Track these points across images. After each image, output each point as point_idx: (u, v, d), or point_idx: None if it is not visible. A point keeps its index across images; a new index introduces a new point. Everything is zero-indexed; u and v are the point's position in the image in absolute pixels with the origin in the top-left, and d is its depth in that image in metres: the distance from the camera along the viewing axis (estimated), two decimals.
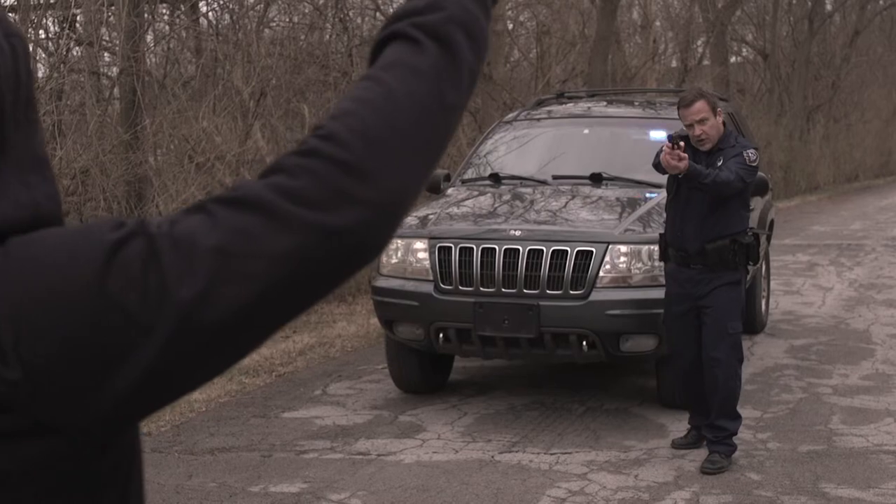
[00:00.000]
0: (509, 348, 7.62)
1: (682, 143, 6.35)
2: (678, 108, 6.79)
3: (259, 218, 1.13)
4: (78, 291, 1.09)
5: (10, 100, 1.19)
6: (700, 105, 6.63)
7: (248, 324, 1.14)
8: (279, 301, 1.15)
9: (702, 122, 6.61)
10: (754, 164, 6.62)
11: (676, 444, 6.95)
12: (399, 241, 7.93)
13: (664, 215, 7.06)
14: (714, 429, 6.66)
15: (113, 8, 11.71)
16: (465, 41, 1.25)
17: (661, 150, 6.56)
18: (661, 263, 7.11)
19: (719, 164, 6.58)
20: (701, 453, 6.63)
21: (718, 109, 6.74)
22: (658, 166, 6.68)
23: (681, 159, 6.31)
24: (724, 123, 6.79)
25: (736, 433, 6.72)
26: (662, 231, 7.04)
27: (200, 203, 1.16)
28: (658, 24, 27.65)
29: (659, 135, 8.98)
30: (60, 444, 1.10)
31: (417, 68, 1.22)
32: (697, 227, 6.64)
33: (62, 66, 11.46)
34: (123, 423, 1.15)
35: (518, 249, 7.51)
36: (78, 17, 12.30)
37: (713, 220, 6.63)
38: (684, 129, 6.73)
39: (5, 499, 1.11)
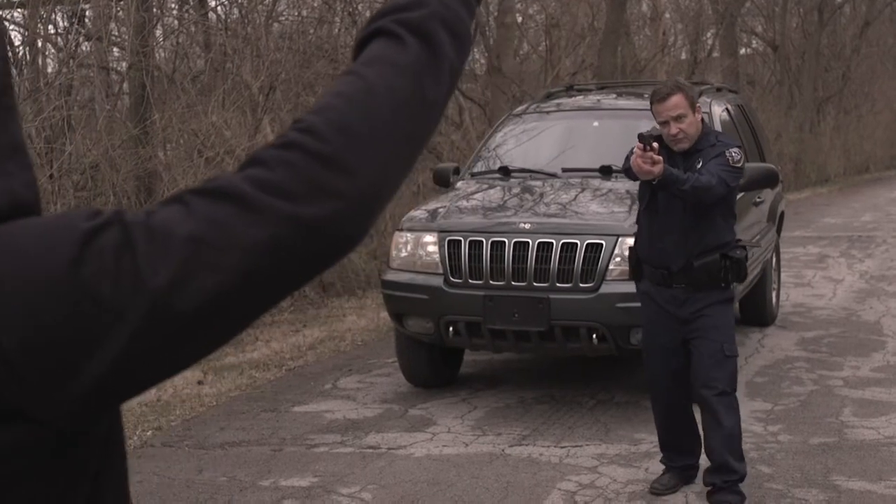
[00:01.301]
0: (519, 342, 7.62)
1: (655, 145, 5.48)
2: (651, 103, 5.89)
3: (235, 208, 1.13)
4: (51, 279, 1.09)
5: None
6: (677, 99, 5.76)
7: (221, 313, 1.14)
8: (253, 291, 1.15)
9: (678, 118, 5.76)
10: (738, 166, 5.78)
11: (656, 489, 6.07)
12: (409, 235, 7.93)
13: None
14: (721, 472, 5.88)
15: (122, 3, 11.72)
16: (447, 38, 1.26)
17: (631, 153, 5.69)
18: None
19: (698, 166, 5.76)
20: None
21: (697, 105, 5.90)
22: (629, 171, 5.76)
23: (654, 163, 5.46)
24: (702, 120, 5.95)
25: (744, 477, 5.92)
26: (632, 244, 6.23)
27: (178, 194, 1.17)
28: (667, 16, 27.59)
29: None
30: (33, 432, 1.11)
31: (398, 64, 1.23)
32: (680, 240, 5.82)
33: (71, 61, 11.47)
34: (96, 410, 1.15)
35: (528, 242, 7.50)
36: (87, 13, 12.32)
37: (698, 231, 5.83)
38: (657, 126, 5.93)
39: None
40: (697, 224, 5.83)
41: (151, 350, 1.13)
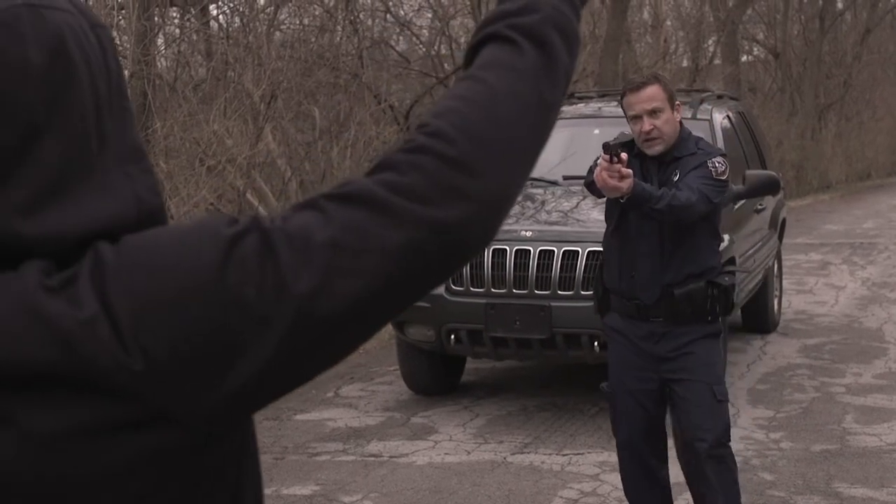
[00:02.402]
0: (521, 349, 7.62)
1: (623, 155, 4.61)
2: (622, 96, 5.05)
3: (370, 213, 1.16)
4: (197, 287, 1.12)
5: (104, 91, 1.22)
6: (653, 90, 4.92)
7: (361, 316, 1.17)
8: (391, 294, 1.18)
9: (653, 113, 4.90)
10: (723, 178, 4.93)
11: None
12: None
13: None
14: None
15: (123, 11, 11.73)
16: (559, 42, 1.29)
17: (595, 165, 4.84)
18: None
19: (675, 178, 4.92)
20: None
21: (677, 103, 5.02)
22: (592, 186, 4.92)
23: (622, 177, 4.59)
24: (681, 123, 5.08)
25: None
26: (598, 272, 5.34)
27: (311, 200, 1.19)
28: (669, 23, 27.63)
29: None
30: (178, 434, 1.14)
31: (517, 68, 1.25)
32: (655, 266, 4.98)
33: None
34: (240, 413, 1.19)
35: (529, 250, 7.51)
36: None
37: (678, 256, 4.98)
38: (625, 132, 5.10)
39: (126, 486, 1.15)
40: (677, 248, 4.98)
41: (296, 354, 1.16)
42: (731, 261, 7.30)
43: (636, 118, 4.94)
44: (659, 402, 5.08)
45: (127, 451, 1.13)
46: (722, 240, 5.34)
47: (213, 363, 1.12)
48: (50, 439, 1.11)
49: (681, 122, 5.05)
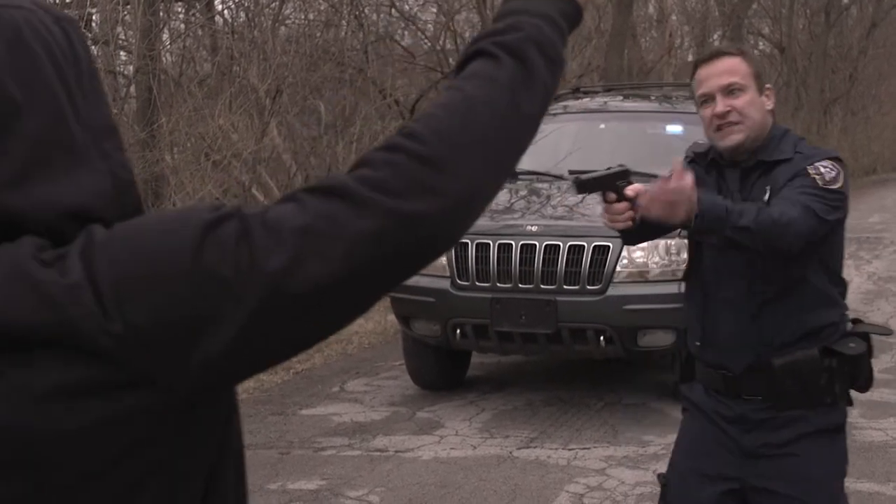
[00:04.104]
0: (526, 344, 7.62)
1: (634, 185, 3.23)
2: (695, 70, 3.58)
3: (343, 203, 1.25)
4: (173, 262, 1.21)
5: (72, 73, 1.32)
6: (732, 62, 3.43)
7: (330, 299, 1.25)
8: (358, 280, 1.26)
9: (731, 90, 3.40)
10: (835, 188, 3.27)
11: None
12: None
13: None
14: None
15: (129, 7, 11.73)
16: (539, 59, 1.40)
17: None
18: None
19: (766, 197, 3.34)
20: None
21: (767, 86, 3.49)
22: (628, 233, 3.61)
23: (623, 213, 3.29)
24: (772, 112, 3.50)
25: None
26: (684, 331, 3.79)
27: (291, 193, 1.29)
28: (674, 18, 27.61)
29: (675, 129, 8.91)
30: (156, 397, 1.22)
31: (495, 79, 1.37)
32: (742, 321, 3.42)
33: None
34: (215, 381, 1.26)
35: (535, 245, 7.50)
36: (94, 16, 12.33)
37: (777, 307, 3.40)
38: (699, 142, 3.70)
39: (105, 446, 1.22)
40: (774, 294, 3.40)
41: (266, 330, 1.24)
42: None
43: (707, 98, 3.46)
44: None
45: (107, 410, 1.20)
46: (846, 284, 3.75)
47: (188, 331, 1.21)
48: (38, 396, 1.19)
49: (773, 114, 3.52)
